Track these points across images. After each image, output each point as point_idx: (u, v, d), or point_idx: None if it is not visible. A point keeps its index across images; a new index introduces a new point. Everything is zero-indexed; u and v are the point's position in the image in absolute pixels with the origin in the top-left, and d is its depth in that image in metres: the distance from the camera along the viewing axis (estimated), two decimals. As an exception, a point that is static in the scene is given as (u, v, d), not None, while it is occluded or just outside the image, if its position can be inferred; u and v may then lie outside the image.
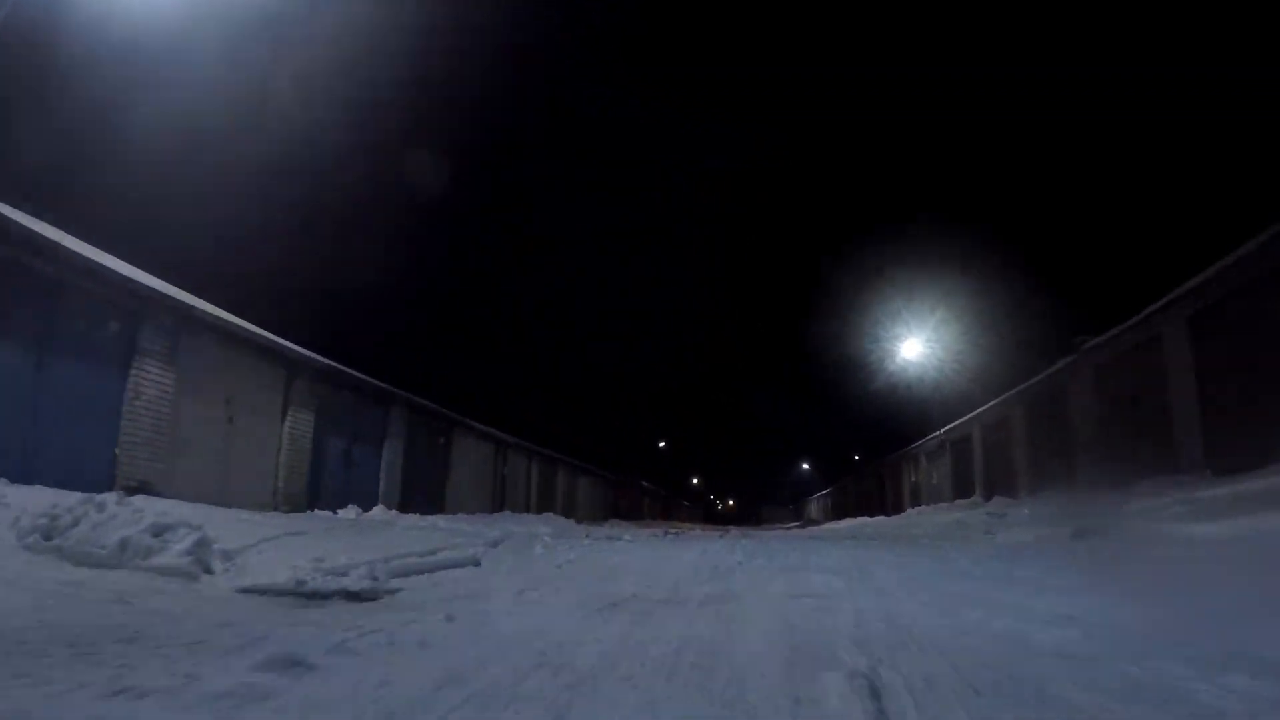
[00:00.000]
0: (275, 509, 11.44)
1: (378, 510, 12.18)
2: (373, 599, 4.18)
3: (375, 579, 4.39)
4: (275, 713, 2.03)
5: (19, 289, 8.41)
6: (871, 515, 27.48)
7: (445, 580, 5.21)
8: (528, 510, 22.86)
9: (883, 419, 30.64)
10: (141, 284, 9.81)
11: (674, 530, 21.00)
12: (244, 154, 18.82)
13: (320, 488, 12.82)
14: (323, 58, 18.98)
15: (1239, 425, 9.67)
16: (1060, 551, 6.99)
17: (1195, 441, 10.63)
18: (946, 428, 23.07)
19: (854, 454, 43.49)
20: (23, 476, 7.48)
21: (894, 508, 28.68)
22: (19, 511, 4.51)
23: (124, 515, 4.50)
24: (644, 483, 49.18)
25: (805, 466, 69.30)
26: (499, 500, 22.10)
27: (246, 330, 11.38)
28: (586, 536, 12.33)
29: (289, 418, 12.17)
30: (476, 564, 6.00)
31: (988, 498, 17.57)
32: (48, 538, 4.15)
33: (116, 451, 9.44)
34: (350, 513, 11.44)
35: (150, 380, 9.84)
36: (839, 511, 43.24)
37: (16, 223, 8.33)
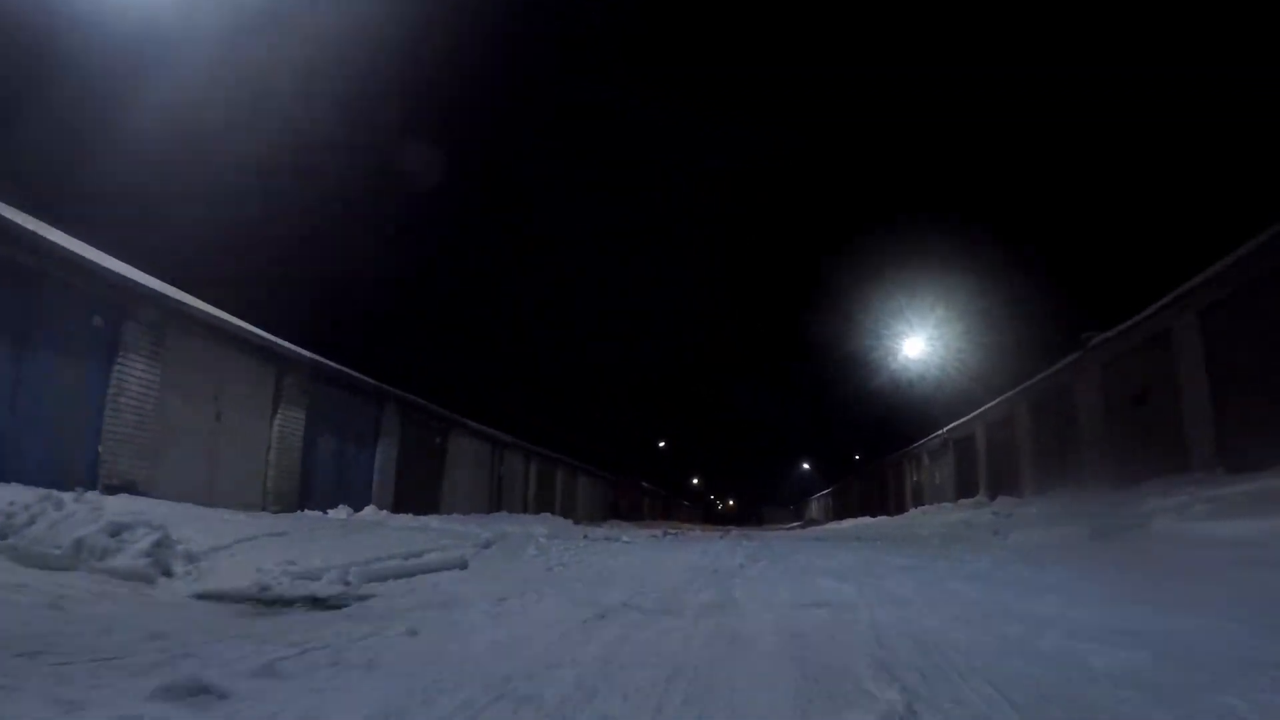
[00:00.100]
0: (265, 509, 11.19)
1: (369, 510, 11.93)
2: (339, 606, 3.90)
3: (347, 584, 4.12)
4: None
5: (-4, 280, 8.16)
6: (873, 515, 27.22)
7: (424, 585, 4.87)
8: (525, 511, 22.62)
9: (884, 418, 30.43)
10: (125, 277, 9.55)
11: (673, 531, 20.74)
12: (238, 149, 18.58)
13: (311, 487, 12.56)
14: (320, 54, 18.75)
15: (1252, 422, 9.41)
16: (1083, 553, 6.63)
17: (1207, 439, 10.37)
18: (949, 426, 22.81)
19: (855, 454, 43.26)
20: (0, 475, 7.23)
21: (896, 508, 28.41)
22: (-22, 510, 4.24)
23: (81, 513, 4.23)
24: (644, 483, 48.94)
25: (806, 466, 69.10)
26: (496, 501, 21.85)
27: (235, 326, 11.13)
28: (584, 537, 12.07)
29: (279, 416, 11.91)
30: (463, 567, 5.71)
31: (992, 497, 17.31)
32: (2, 536, 3.89)
33: (100, 449, 9.19)
34: (341, 513, 11.18)
35: (135, 376, 9.58)
36: (840, 512, 42.98)
37: (-8, 212, 8.08)
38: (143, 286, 9.75)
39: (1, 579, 3.42)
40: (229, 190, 18.45)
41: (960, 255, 22.50)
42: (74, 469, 8.76)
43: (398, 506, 14.84)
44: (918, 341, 23.86)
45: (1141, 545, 5.88)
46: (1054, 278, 19.10)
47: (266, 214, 19.30)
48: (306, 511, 11.25)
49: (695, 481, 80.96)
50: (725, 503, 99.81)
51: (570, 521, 21.88)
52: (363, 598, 4.06)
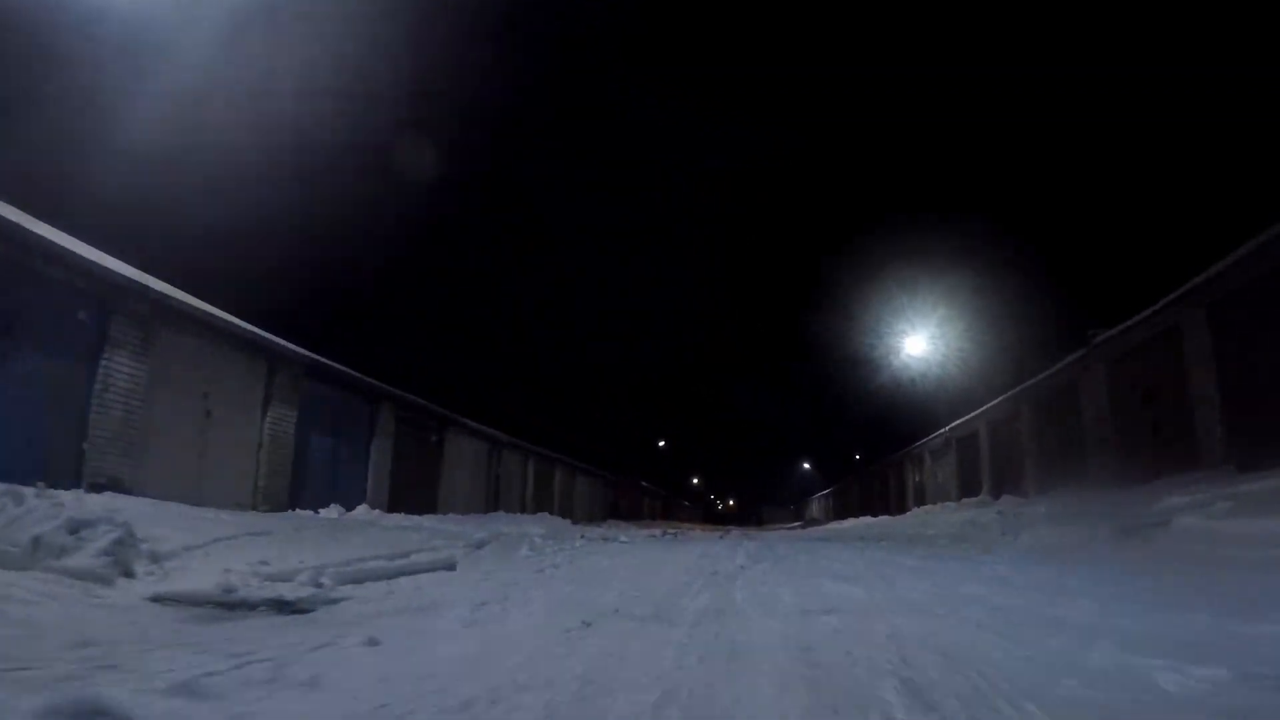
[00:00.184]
0: (256, 508, 10.98)
1: (361, 510, 11.71)
2: (306, 611, 3.67)
3: (320, 586, 3.90)
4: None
5: (-24, 273, 7.96)
6: (875, 515, 27.01)
7: (404, 587, 4.60)
8: (523, 511, 22.40)
9: (885, 418, 30.22)
10: (112, 270, 9.34)
11: (672, 531, 20.52)
12: (233, 144, 18.39)
13: (304, 487, 12.35)
14: (320, 51, 18.56)
15: (1264, 419, 9.20)
16: (1104, 553, 6.32)
17: (1217, 436, 10.16)
18: (951, 425, 22.60)
19: (855, 453, 43.05)
20: (-21, 472, 7.02)
21: (898, 507, 28.20)
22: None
23: (42, 509, 4.02)
24: (644, 483, 48.75)
25: (806, 466, 68.92)
26: (493, 501, 21.64)
27: (226, 321, 10.91)
28: (581, 537, 11.87)
29: (270, 413, 11.69)
30: (451, 568, 5.48)
31: (996, 497, 17.10)
32: (-40, 535, 3.68)
33: (85, 446, 8.99)
34: (332, 512, 10.97)
35: (121, 372, 9.38)
36: (841, 511, 42.77)
37: (-29, 203, 7.87)
38: (130, 280, 9.54)
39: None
40: (226, 187, 18.26)
41: (962, 253, 22.32)
42: (58, 466, 8.55)
43: (393, 506, 14.62)
44: (919, 340, 23.67)
45: (1166, 544, 5.61)
46: (1057, 275, 18.92)
47: (263, 210, 19.11)
48: (298, 511, 11.05)
49: (695, 481, 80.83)
50: (725, 503, 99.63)
51: (568, 522, 21.67)
52: (334, 601, 3.84)
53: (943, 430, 23.42)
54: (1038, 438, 16.68)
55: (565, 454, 30.34)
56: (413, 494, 16.26)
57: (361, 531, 7.77)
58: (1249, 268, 9.67)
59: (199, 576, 3.96)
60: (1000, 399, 18.73)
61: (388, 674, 2.50)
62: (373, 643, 2.92)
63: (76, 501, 6.08)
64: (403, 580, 4.85)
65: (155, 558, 4.10)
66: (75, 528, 3.86)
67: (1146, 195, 18.71)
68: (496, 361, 34.59)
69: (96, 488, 8.61)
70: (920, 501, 25.40)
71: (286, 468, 11.92)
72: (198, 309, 10.47)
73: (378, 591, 4.37)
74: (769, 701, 2.20)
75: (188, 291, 10.76)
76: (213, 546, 4.67)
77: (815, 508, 60.51)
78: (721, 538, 14.70)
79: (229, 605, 3.51)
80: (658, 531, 18.80)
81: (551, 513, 23.73)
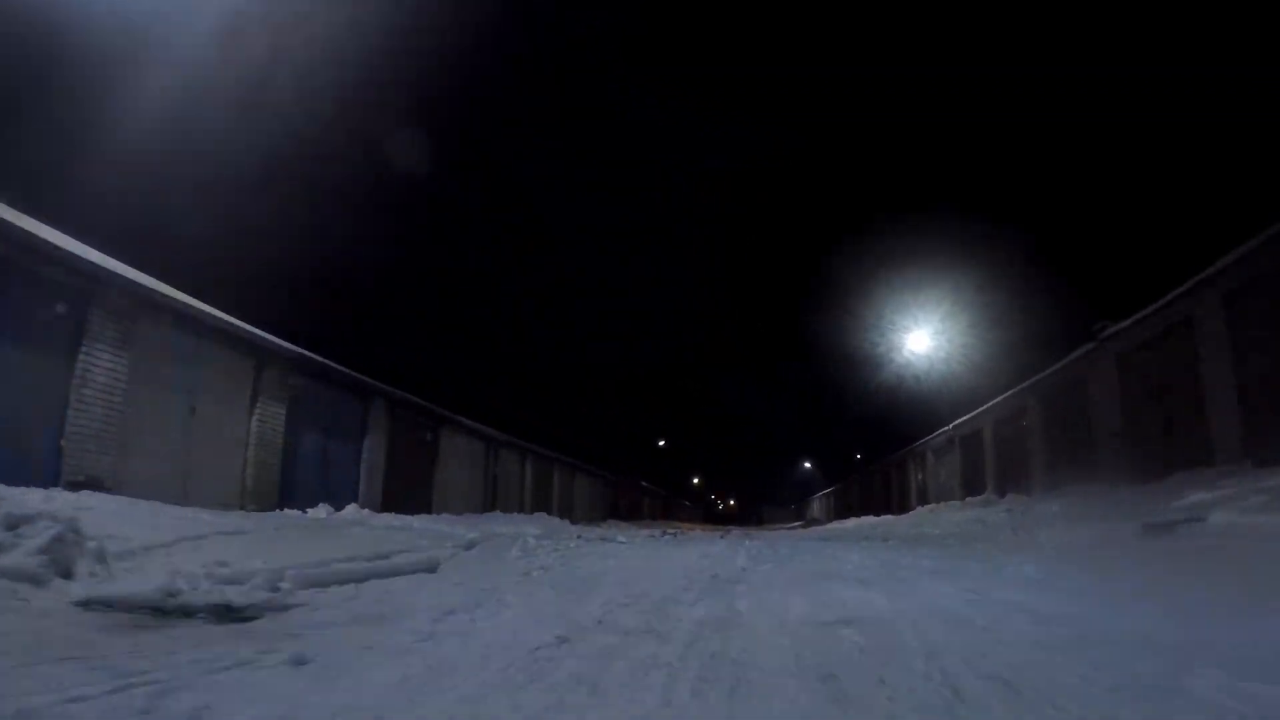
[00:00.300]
0: (243, 508, 10.67)
1: (351, 509, 11.39)
2: (250, 618, 3.34)
3: (275, 590, 3.59)
4: None
5: (-56, 263, 7.66)
6: (877, 514, 26.70)
7: (371, 592, 4.21)
8: (521, 511, 22.08)
9: (887, 416, 29.86)
10: (91, 262, 9.03)
11: (672, 531, 20.21)
12: (229, 140, 18.10)
13: (293, 486, 12.03)
14: (318, 48, 18.26)
15: (1283, 413, 8.88)
16: (1138, 553, 5.85)
17: (1233, 431, 9.84)
18: (955, 423, 22.28)
19: (856, 453, 42.69)
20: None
21: (900, 506, 27.89)
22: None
23: (-22, 506, 3.72)
24: (643, 482, 48.46)
25: (807, 465, 68.57)
26: (490, 500, 21.33)
27: (211, 315, 10.60)
28: (577, 538, 11.55)
29: (258, 410, 11.38)
30: (432, 570, 5.13)
31: (1001, 495, 16.78)
32: (-107, 533, 3.38)
33: (62, 443, 8.68)
34: (320, 512, 10.66)
35: (101, 367, 9.07)
36: (842, 511, 42.47)
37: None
38: (110, 272, 9.23)
39: None
40: (220, 183, 17.96)
41: (966, 248, 21.98)
42: (34, 464, 8.25)
43: (386, 506, 14.32)
44: (922, 336, 23.34)
45: (1205, 542, 5.22)
46: (1062, 268, 18.57)
47: (258, 207, 18.82)
48: (286, 510, 10.74)
49: (695, 481, 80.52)
50: (725, 502, 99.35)
51: (567, 522, 21.37)
52: (285, 608, 3.51)
53: (946, 428, 23.11)
54: (1045, 435, 16.37)
55: (564, 453, 30.04)
56: (407, 493, 15.95)
57: (345, 532, 7.45)
58: (1268, 255, 9.35)
59: (146, 578, 3.64)
60: (1005, 395, 18.42)
61: (294, 707, 2.09)
62: (299, 662, 2.51)
63: (46, 499, 5.78)
64: (373, 584, 4.48)
65: (102, 558, 3.78)
66: (14, 524, 3.54)
67: (1151, 186, 18.40)
68: (495, 360, 34.27)
69: (75, 486, 8.31)
70: (923, 500, 25.09)
71: (275, 466, 11.61)
72: (181, 302, 10.16)
73: (339, 596, 4.00)
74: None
75: (183, 288, 10.47)
76: (177, 546, 4.37)
77: (816, 507, 60.23)
78: (722, 537, 14.38)
79: (165, 610, 3.19)
80: (657, 532, 18.48)
81: (550, 513, 23.42)
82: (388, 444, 15.31)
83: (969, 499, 18.70)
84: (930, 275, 22.55)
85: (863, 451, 41.10)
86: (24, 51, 11.54)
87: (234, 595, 3.39)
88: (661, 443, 58.46)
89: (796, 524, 46.06)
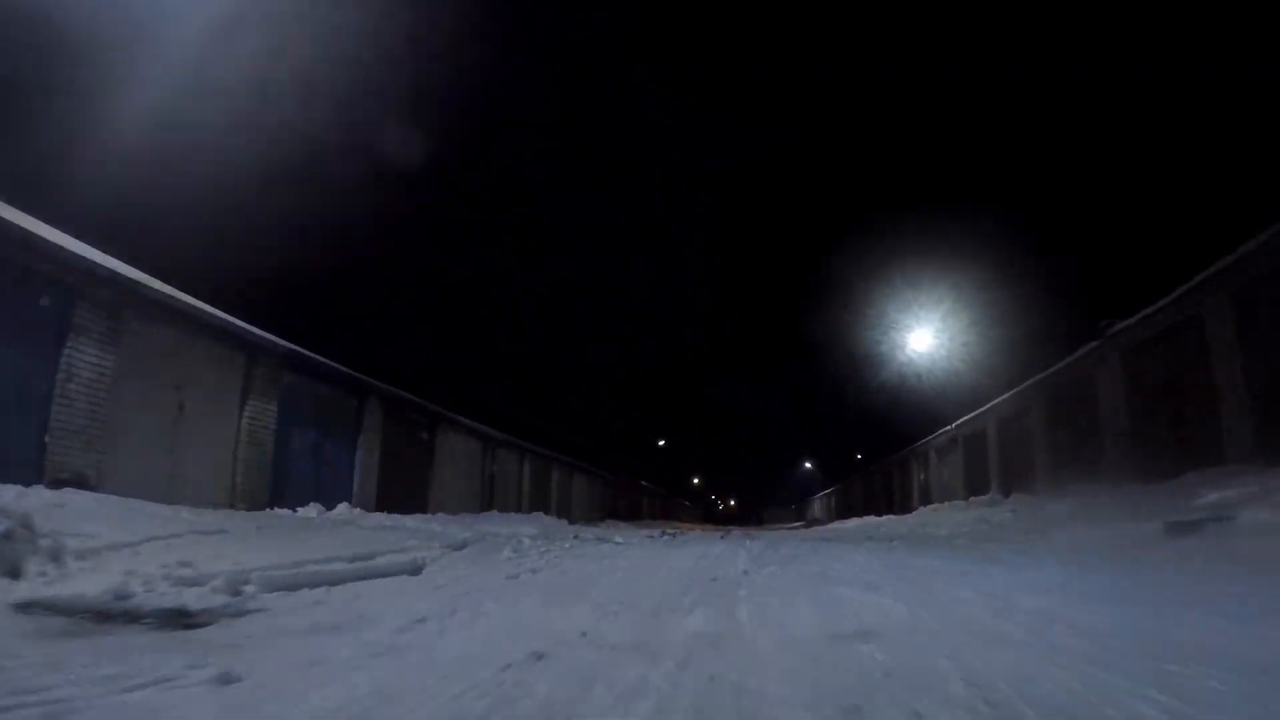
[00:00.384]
0: (233, 506, 10.47)
1: (342, 508, 11.17)
2: (199, 624, 3.09)
3: (238, 593, 3.37)
4: None
5: (-77, 254, 7.46)
6: (879, 514, 26.48)
7: (343, 596, 3.91)
8: (519, 511, 21.86)
9: (888, 416, 29.63)
10: (77, 254, 8.83)
11: (671, 531, 19.98)
12: (226, 137, 17.92)
13: (285, 484, 11.81)
14: (318, 47, 18.09)
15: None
16: (1170, 553, 5.49)
17: (1245, 429, 9.62)
18: (958, 422, 22.06)
19: (857, 453, 42.47)
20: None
21: (902, 507, 27.68)
22: None
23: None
24: (643, 482, 48.25)
25: (807, 466, 68.35)
26: (488, 500, 21.12)
27: (201, 310, 10.39)
28: (574, 538, 11.33)
29: (249, 408, 11.17)
30: (415, 572, 4.88)
31: (1005, 495, 16.56)
32: None
33: (46, 440, 8.48)
34: (311, 511, 10.45)
35: (87, 362, 8.87)
36: (843, 511, 42.26)
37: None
38: (96, 265, 9.03)
39: None
40: (218, 180, 17.78)
41: (968, 245, 21.75)
42: (17, 461, 8.05)
43: (381, 505, 14.11)
44: (924, 335, 23.12)
45: (1238, 541, 4.96)
46: (1067, 265, 18.35)
47: (256, 203, 18.64)
48: (276, 510, 10.53)
49: (695, 481, 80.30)
50: (725, 503, 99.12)
51: (565, 522, 21.15)
52: (240, 613, 3.25)
53: (949, 427, 22.89)
54: (1050, 434, 16.14)
55: (563, 453, 29.82)
56: (402, 493, 15.74)
57: (333, 531, 7.23)
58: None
59: (101, 579, 3.43)
60: (1010, 394, 18.20)
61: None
62: (225, 681, 2.20)
63: (18, 496, 5.57)
64: (348, 587, 4.18)
65: (57, 556, 3.57)
66: (-41, 521, 3.34)
67: (1156, 182, 18.18)
68: (494, 360, 34.08)
69: (58, 483, 8.11)
70: (926, 500, 24.87)
71: (266, 465, 11.40)
72: (170, 297, 9.95)
73: (305, 601, 3.68)
74: None
75: (174, 283, 10.26)
76: (146, 545, 4.15)
77: (817, 507, 60.02)
78: (722, 538, 14.15)
79: (110, 614, 2.97)
80: (655, 532, 18.25)
81: (548, 513, 23.21)
82: (383, 442, 15.10)
83: (972, 499, 18.49)
84: (932, 273, 22.34)
85: (863, 451, 40.91)
86: (10, 43, 11.35)
87: (189, 599, 3.17)
88: (661, 442, 58.27)
89: (797, 524, 45.86)
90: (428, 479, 17.49)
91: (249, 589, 3.47)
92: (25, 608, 2.99)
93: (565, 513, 26.58)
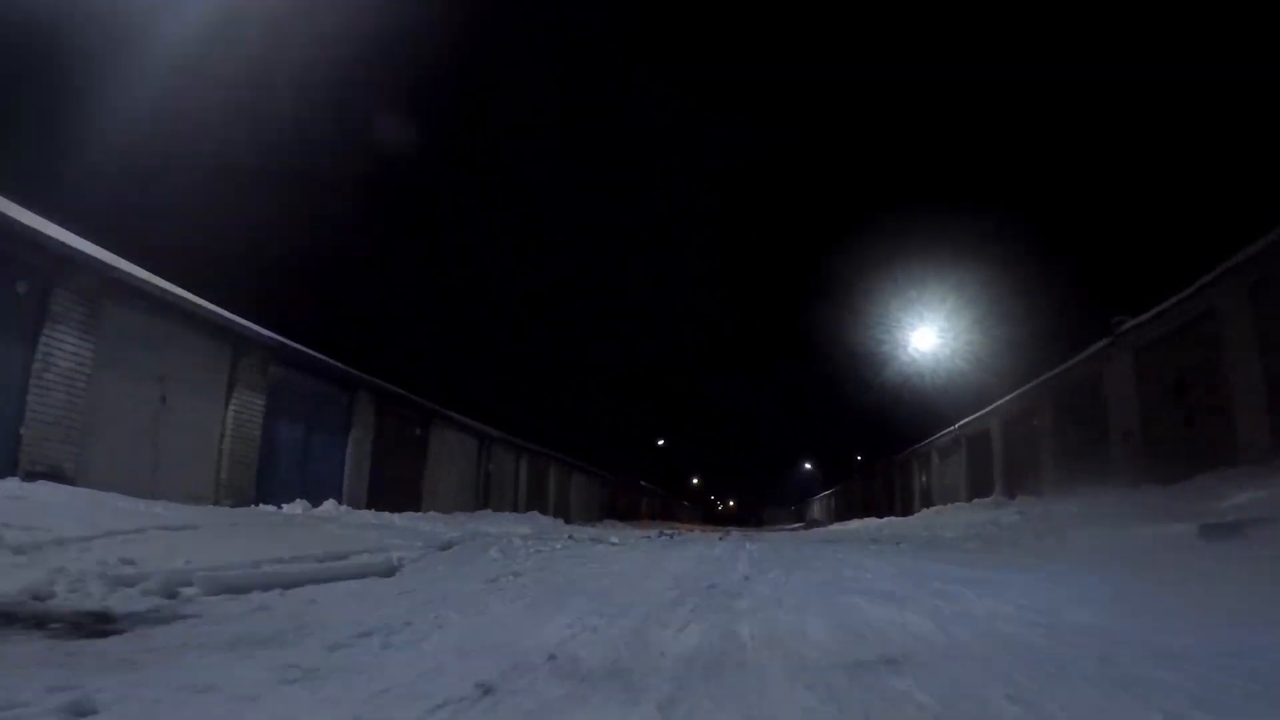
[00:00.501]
0: (217, 502, 10.17)
1: (328, 505, 10.86)
2: (113, 632, 2.72)
3: (173, 595, 3.05)
4: None
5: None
6: (880, 516, 26.14)
7: (294, 601, 3.49)
8: (515, 510, 21.54)
9: (890, 417, 29.30)
10: (54, 240, 8.52)
11: (669, 531, 19.64)
12: (224, 136, 17.68)
13: (271, 480, 11.49)
14: (318, 46, 17.85)
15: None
16: (1214, 559, 5.05)
17: (1262, 428, 9.30)
18: (961, 423, 21.72)
19: (858, 454, 42.15)
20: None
21: (903, 508, 27.33)
22: None
23: None
24: (642, 482, 47.92)
25: (807, 467, 68.04)
26: (483, 498, 20.79)
27: (185, 299, 10.07)
28: (568, 538, 11.01)
29: (235, 401, 10.85)
30: (388, 574, 4.54)
31: (1010, 497, 16.23)
32: None
33: (21, 431, 8.17)
34: (296, 508, 10.13)
35: (64, 351, 8.57)
36: (844, 512, 41.91)
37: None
38: (75, 250, 8.73)
39: None
40: (215, 177, 17.54)
41: (973, 244, 21.45)
42: (-8, 453, 7.76)
43: (371, 502, 13.80)
44: (928, 334, 22.80)
45: None
46: (1074, 262, 18.05)
47: (250, 197, 18.39)
48: (261, 506, 10.22)
49: (695, 482, 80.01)
50: (725, 503, 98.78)
51: (561, 521, 20.83)
52: (169, 619, 2.90)
53: (952, 428, 22.55)
54: (1057, 434, 15.80)
55: (561, 452, 29.51)
56: (395, 490, 15.42)
57: (312, 529, 6.92)
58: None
59: (27, 575, 3.12)
60: (1015, 394, 17.86)
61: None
62: (76, 713, 1.79)
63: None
64: (305, 589, 3.79)
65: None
66: None
67: (1166, 179, 17.88)
68: (493, 358, 33.83)
69: (33, 476, 7.81)
70: (928, 502, 24.52)
71: (252, 459, 11.08)
72: (153, 285, 9.63)
73: (247, 607, 3.28)
74: None
75: (160, 273, 9.95)
76: (100, 541, 3.84)
77: (817, 509, 59.67)
78: (721, 539, 13.83)
79: (15, 618, 2.64)
80: (653, 532, 17.92)
81: (544, 512, 22.88)
82: (374, 438, 14.78)
83: (976, 501, 18.15)
84: (935, 272, 22.03)
85: (864, 452, 40.59)
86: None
87: (115, 601, 2.86)
88: (661, 442, 57.96)
89: (797, 525, 45.52)
90: (421, 476, 17.17)
91: (189, 591, 3.14)
92: (-86, 606, 2.67)
93: (563, 512, 26.26)
